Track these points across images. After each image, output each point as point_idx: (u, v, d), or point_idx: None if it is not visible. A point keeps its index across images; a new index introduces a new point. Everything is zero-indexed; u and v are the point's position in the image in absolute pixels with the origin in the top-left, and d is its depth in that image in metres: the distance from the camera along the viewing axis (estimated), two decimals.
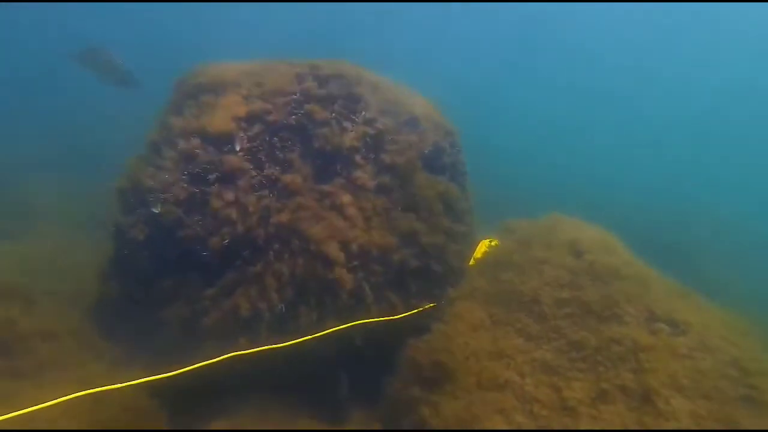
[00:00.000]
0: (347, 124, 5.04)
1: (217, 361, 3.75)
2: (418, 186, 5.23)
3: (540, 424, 3.45)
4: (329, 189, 4.77)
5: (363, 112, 5.22)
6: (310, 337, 4.35)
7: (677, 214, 13.06)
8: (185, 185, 4.43)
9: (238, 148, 4.63)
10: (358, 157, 5.00)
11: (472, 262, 5.72)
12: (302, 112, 4.91)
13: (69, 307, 4.49)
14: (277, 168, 4.71)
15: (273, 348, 4.10)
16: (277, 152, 4.77)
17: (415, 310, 5.07)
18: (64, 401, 2.88)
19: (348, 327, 4.59)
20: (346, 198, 4.77)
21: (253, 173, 4.61)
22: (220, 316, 4.22)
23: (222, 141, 4.66)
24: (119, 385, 3.10)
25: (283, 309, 4.40)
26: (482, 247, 5.89)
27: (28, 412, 2.77)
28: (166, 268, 4.55)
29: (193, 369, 3.62)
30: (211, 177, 4.49)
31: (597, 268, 4.39)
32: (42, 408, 2.80)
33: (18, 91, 17.50)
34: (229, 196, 4.42)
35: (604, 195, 13.56)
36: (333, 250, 4.55)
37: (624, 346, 3.75)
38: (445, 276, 5.45)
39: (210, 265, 4.40)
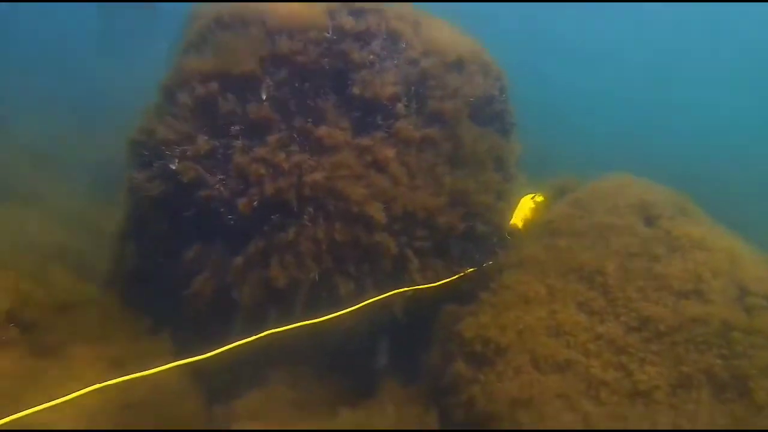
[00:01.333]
0: (388, 66, 4.44)
1: (253, 339, 3.49)
2: (467, 138, 4.71)
3: (609, 412, 3.17)
4: (369, 143, 4.28)
5: (405, 53, 4.60)
6: (349, 309, 4.06)
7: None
8: (205, 138, 3.96)
9: (264, 96, 4.10)
10: (400, 106, 4.45)
11: (516, 221, 5.30)
12: (336, 52, 4.31)
13: (86, 273, 4.22)
14: (309, 119, 4.20)
15: (312, 323, 3.82)
16: (309, 101, 4.24)
17: (456, 276, 4.74)
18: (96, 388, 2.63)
19: (387, 296, 4.29)
20: (388, 153, 4.29)
21: (282, 126, 4.11)
22: (252, 289, 3.91)
23: (245, 86, 4.12)
24: (154, 370, 2.85)
25: (317, 278, 4.07)
26: (526, 206, 5.45)
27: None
28: (186, 232, 4.20)
29: (228, 349, 3.36)
30: (235, 129, 4.01)
31: (675, 236, 3.95)
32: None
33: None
34: (256, 151, 3.97)
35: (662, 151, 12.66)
36: (375, 212, 4.14)
37: (710, 326, 3.38)
38: (493, 240, 5.07)
39: (236, 231, 4.03)
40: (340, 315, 3.99)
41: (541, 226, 4.66)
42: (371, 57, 4.42)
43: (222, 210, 3.99)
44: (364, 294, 4.29)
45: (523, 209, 5.42)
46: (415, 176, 4.45)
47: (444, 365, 4.03)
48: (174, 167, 4.05)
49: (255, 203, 3.93)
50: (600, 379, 3.33)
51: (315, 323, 3.89)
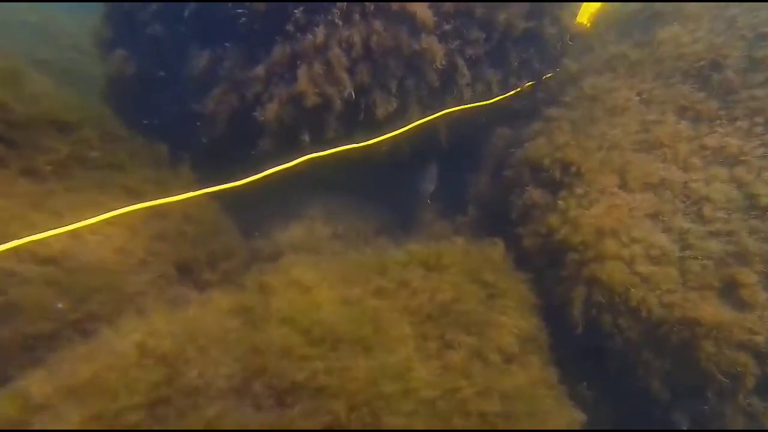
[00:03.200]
0: None
1: (285, 168, 3.02)
2: None
3: (715, 229, 2.78)
4: None
5: None
6: (390, 135, 3.51)
7: None
8: None
9: None
10: None
11: (582, 19, 4.40)
12: None
13: (75, 86, 3.59)
14: None
15: (349, 149, 3.31)
16: None
17: (513, 91, 4.07)
18: (115, 215, 2.25)
19: (434, 118, 3.70)
20: None
21: None
22: (277, 108, 3.30)
23: None
24: (181, 197, 2.43)
25: (353, 95, 3.43)
26: (593, 4, 4.47)
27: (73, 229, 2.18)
28: (186, 31, 3.44)
29: (257, 178, 2.92)
30: None
31: None
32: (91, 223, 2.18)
33: None
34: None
35: None
36: (421, 8, 3.29)
37: None
38: (557, 45, 4.25)
39: (251, 30, 3.26)
40: (380, 141, 3.47)
41: (628, 16, 3.79)
42: None
43: (231, 4, 3.16)
44: (406, 114, 3.71)
45: (589, 6, 4.47)
46: None
47: (505, 193, 3.61)
48: None
49: None
50: (702, 194, 2.89)
51: (350, 149, 3.40)
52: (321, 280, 2.22)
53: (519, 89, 4.10)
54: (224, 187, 2.76)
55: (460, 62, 3.69)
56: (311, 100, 3.35)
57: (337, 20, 3.23)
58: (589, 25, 4.40)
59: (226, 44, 3.28)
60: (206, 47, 3.32)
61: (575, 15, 4.36)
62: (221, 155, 3.45)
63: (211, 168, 3.04)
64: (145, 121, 3.57)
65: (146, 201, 2.52)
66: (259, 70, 3.28)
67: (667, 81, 3.22)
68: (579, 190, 3.11)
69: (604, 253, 2.78)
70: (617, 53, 3.51)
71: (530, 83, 4.17)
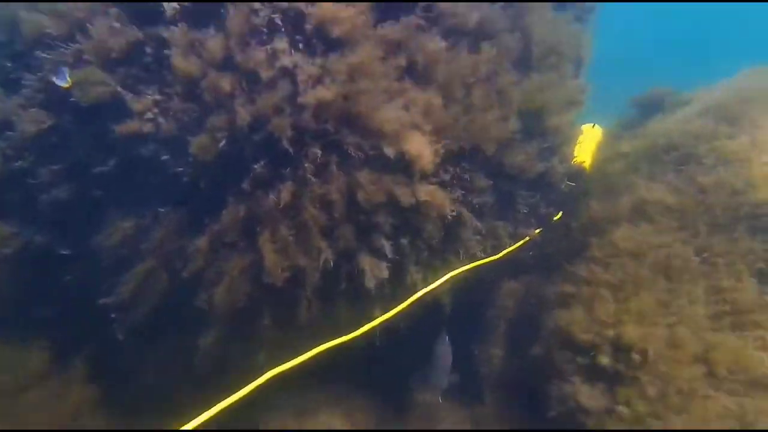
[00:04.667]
0: None
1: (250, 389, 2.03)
2: (539, 27, 3.15)
3: None
4: (400, 34, 2.65)
5: None
6: (384, 317, 2.67)
7: None
8: (116, 26, 2.18)
9: None
10: None
11: (583, 157, 3.94)
12: None
13: None
14: None
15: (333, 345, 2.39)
16: None
17: (522, 241, 3.42)
18: None
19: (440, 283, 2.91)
20: (433, 49, 2.69)
21: (255, 3, 2.39)
22: (230, 291, 2.38)
23: None
24: None
25: (331, 263, 2.60)
26: (590, 137, 4.08)
27: None
28: (105, 197, 2.54)
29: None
30: (171, 7, 2.25)
31: None
32: None
33: None
34: (213, 47, 2.26)
35: None
36: (419, 150, 2.61)
37: None
38: (562, 184, 3.70)
39: (194, 190, 2.41)
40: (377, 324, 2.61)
41: (647, 151, 3.29)
42: None
43: (164, 157, 2.32)
44: (403, 280, 2.89)
45: (589, 142, 4.06)
46: (471, 88, 2.90)
47: (534, 378, 2.77)
48: (63, 82, 2.30)
49: (221, 142, 2.29)
50: None
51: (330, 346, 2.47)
52: None
53: (528, 238, 3.43)
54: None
55: (466, 214, 2.98)
56: (277, 276, 2.46)
57: (309, 175, 2.45)
58: (589, 163, 3.93)
59: (160, 209, 2.39)
60: (130, 214, 2.40)
61: (574, 152, 3.89)
62: (144, 356, 2.42)
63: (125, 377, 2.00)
64: (37, 312, 2.53)
65: None
66: (202, 240, 2.38)
67: (729, 235, 2.60)
68: (651, 390, 2.29)
69: None
70: (650, 199, 2.92)
71: (538, 230, 3.53)
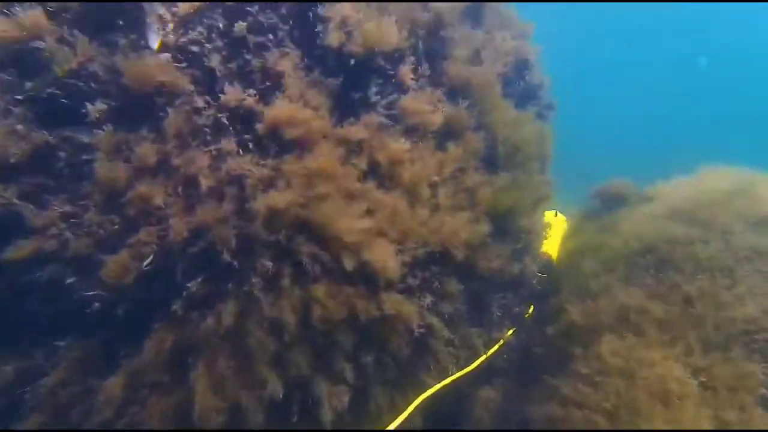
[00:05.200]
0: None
1: None
2: (505, 126, 3.07)
3: None
4: (362, 133, 2.46)
5: None
6: None
7: None
8: (18, 128, 1.84)
9: (154, 41, 2.09)
10: (405, 69, 2.68)
11: (549, 249, 3.79)
12: None
13: None
14: (251, 90, 2.28)
15: None
16: (248, 54, 2.31)
17: (496, 347, 3.13)
18: None
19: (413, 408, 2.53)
20: (396, 150, 2.50)
21: (199, 101, 2.14)
22: None
23: (111, 21, 2.08)
24: None
25: (280, 396, 2.17)
26: (556, 227, 3.99)
27: None
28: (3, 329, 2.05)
29: None
30: (92, 107, 1.95)
31: None
32: None
33: None
34: (143, 152, 1.95)
35: None
36: (384, 260, 2.32)
37: None
38: (535, 279, 3.50)
39: (103, 318, 1.97)
40: None
41: (619, 251, 3.14)
42: None
43: (69, 280, 1.90)
44: (367, 405, 2.47)
45: (554, 231, 3.95)
46: (436, 188, 2.70)
47: None
48: None
49: (147, 262, 1.90)
50: None
51: None
52: None
53: (502, 342, 3.13)
54: None
55: (437, 324, 2.66)
56: (210, 419, 1.99)
57: (257, 292, 2.09)
58: (556, 254, 3.79)
59: (60, 343, 1.92)
60: (14, 354, 1.92)
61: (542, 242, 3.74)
62: None
63: None
64: None
65: None
66: (115, 380, 1.91)
67: (724, 354, 2.39)
68: None
69: None
70: (633, 306, 2.71)
71: (511, 331, 3.25)
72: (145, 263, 1.83)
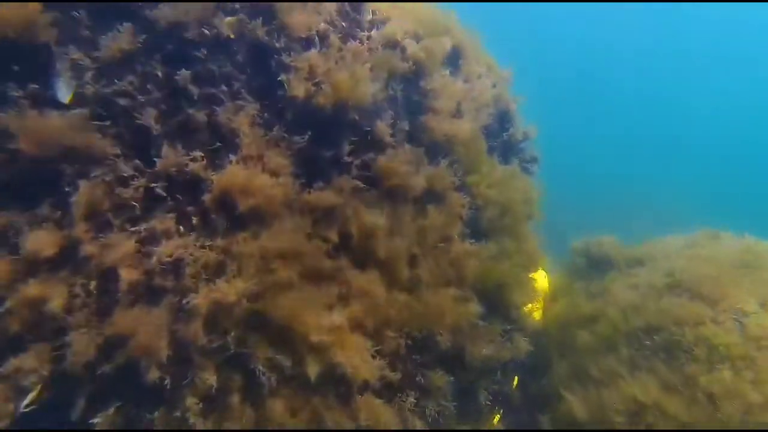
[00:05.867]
0: (351, 47, 2.29)
1: None
2: (490, 185, 2.74)
3: None
4: (334, 199, 2.05)
5: (378, 27, 2.51)
6: None
7: None
8: None
9: (65, 95, 1.63)
10: (381, 126, 2.31)
11: (534, 312, 3.47)
12: (257, 11, 2.06)
13: None
14: (197, 152, 1.83)
15: None
16: (192, 110, 1.87)
17: None
18: None
19: None
20: (371, 221, 2.10)
21: (126, 169, 1.67)
22: None
23: (20, 69, 1.61)
24: None
25: None
26: (540, 286, 3.69)
27: None
28: None
29: None
30: None
31: None
32: None
33: None
34: (39, 238, 1.46)
35: None
36: (357, 360, 1.88)
37: None
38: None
39: None
40: None
41: (618, 327, 2.81)
42: (322, 26, 2.24)
43: None
44: None
45: (539, 292, 3.64)
46: (417, 261, 2.31)
47: None
48: None
49: (27, 400, 1.38)
50: None
51: None
52: None
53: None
54: None
55: (416, 422, 2.21)
56: None
57: (193, 419, 1.59)
58: (539, 316, 3.46)
59: None
60: None
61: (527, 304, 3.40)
62: None
63: None
64: None
65: None
66: None
67: None
68: None
69: None
70: (649, 403, 2.35)
71: (497, 417, 2.86)
72: (24, 403, 1.31)
